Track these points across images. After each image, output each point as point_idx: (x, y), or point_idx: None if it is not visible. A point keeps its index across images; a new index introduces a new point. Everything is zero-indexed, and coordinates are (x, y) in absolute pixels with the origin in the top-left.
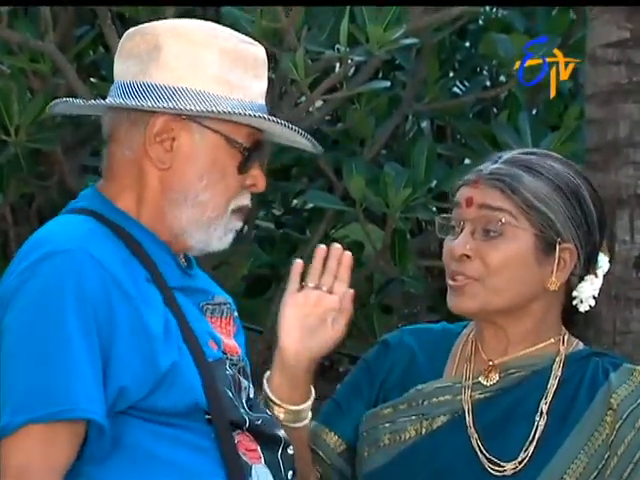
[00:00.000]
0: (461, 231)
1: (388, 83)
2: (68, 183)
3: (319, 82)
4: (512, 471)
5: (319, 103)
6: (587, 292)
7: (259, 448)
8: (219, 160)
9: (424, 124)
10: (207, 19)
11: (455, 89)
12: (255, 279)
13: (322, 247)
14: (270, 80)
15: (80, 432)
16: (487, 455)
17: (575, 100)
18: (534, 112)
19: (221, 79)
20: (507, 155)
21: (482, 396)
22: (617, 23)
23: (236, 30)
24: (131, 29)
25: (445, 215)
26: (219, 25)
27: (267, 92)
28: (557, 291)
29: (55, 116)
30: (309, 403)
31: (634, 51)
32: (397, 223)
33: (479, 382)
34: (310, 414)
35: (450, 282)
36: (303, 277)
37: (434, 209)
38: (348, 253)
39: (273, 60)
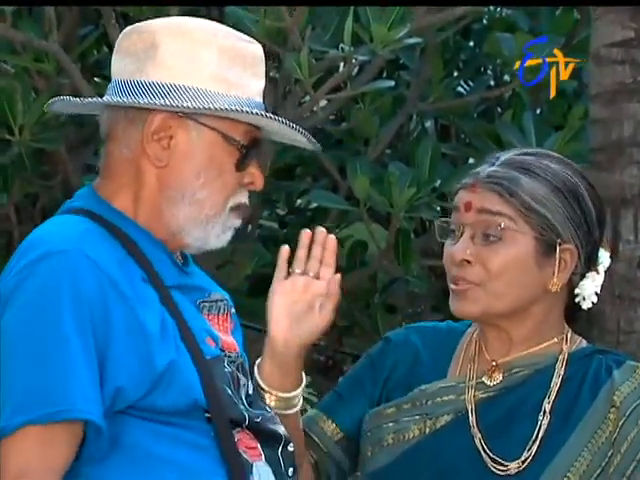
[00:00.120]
0: (461, 235)
1: (392, 83)
2: (72, 183)
3: (323, 82)
4: (516, 470)
5: (323, 102)
6: (589, 289)
7: (259, 445)
8: (216, 158)
9: (428, 124)
10: (211, 19)
11: (459, 89)
12: (259, 278)
13: (306, 232)
14: (274, 80)
15: (78, 433)
16: (490, 455)
17: (579, 100)
18: (538, 112)
19: (219, 77)
20: (504, 157)
21: (485, 395)
22: (621, 23)
23: (240, 30)
24: (128, 27)
25: (444, 219)
26: (216, 23)
27: (271, 92)
28: (559, 291)
29: (59, 116)
30: (300, 390)
31: (638, 51)
32: (401, 223)
33: (482, 382)
34: (301, 401)
35: (452, 286)
36: (290, 264)
37: (438, 209)
38: (332, 237)
39: (277, 60)
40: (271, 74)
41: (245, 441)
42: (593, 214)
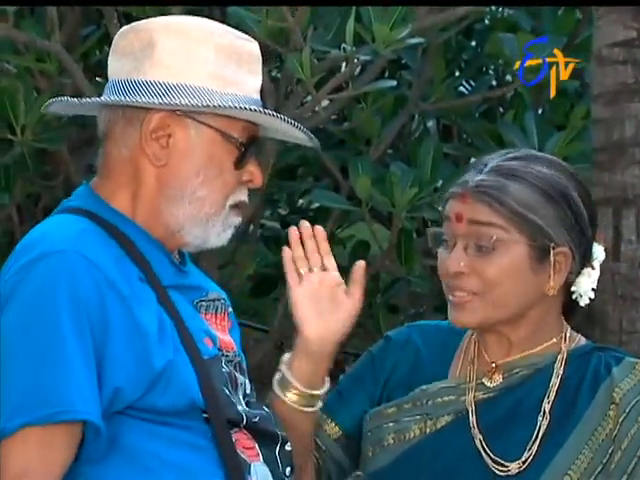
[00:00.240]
0: (454, 245)
1: (394, 82)
2: (74, 183)
3: (325, 81)
4: (517, 470)
5: (325, 102)
6: (585, 286)
7: (257, 445)
8: (215, 156)
9: (430, 123)
10: (213, 19)
11: (461, 88)
12: (261, 278)
13: (293, 230)
14: (276, 80)
15: (77, 433)
16: (491, 455)
17: (581, 100)
18: (540, 112)
19: (217, 75)
20: (491, 163)
21: (486, 396)
22: (623, 23)
23: (242, 30)
24: (124, 27)
25: (436, 229)
26: (212, 21)
27: (273, 92)
28: (555, 294)
29: (61, 116)
30: (325, 388)
31: None
32: (403, 223)
33: (483, 383)
34: (321, 401)
35: (449, 297)
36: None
37: (440, 208)
38: (318, 227)
39: (279, 60)
40: (273, 74)
41: (243, 441)
42: (584, 214)
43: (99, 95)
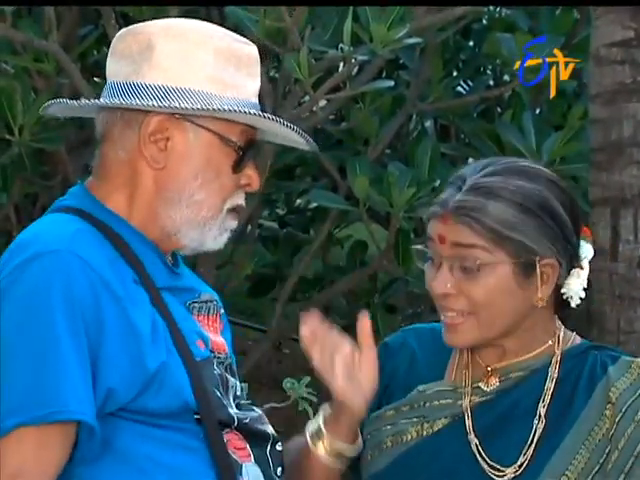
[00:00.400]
0: (439, 264)
1: (392, 82)
2: (72, 183)
3: (323, 81)
4: (512, 475)
5: (323, 102)
6: (576, 287)
7: (248, 446)
8: (214, 159)
9: (428, 123)
10: (211, 19)
11: (459, 88)
12: (259, 278)
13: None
14: (274, 80)
15: (71, 434)
16: (487, 461)
17: (579, 100)
18: (538, 112)
19: (215, 78)
20: (470, 180)
21: (482, 399)
22: (621, 23)
23: (240, 30)
24: (123, 29)
25: (421, 247)
26: (211, 24)
27: (271, 92)
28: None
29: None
30: (357, 445)
31: (638, 51)
32: (401, 223)
33: (479, 387)
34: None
35: (442, 317)
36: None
37: None
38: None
39: (277, 60)
40: (271, 74)
41: (234, 442)
42: (568, 223)
43: (97, 96)
